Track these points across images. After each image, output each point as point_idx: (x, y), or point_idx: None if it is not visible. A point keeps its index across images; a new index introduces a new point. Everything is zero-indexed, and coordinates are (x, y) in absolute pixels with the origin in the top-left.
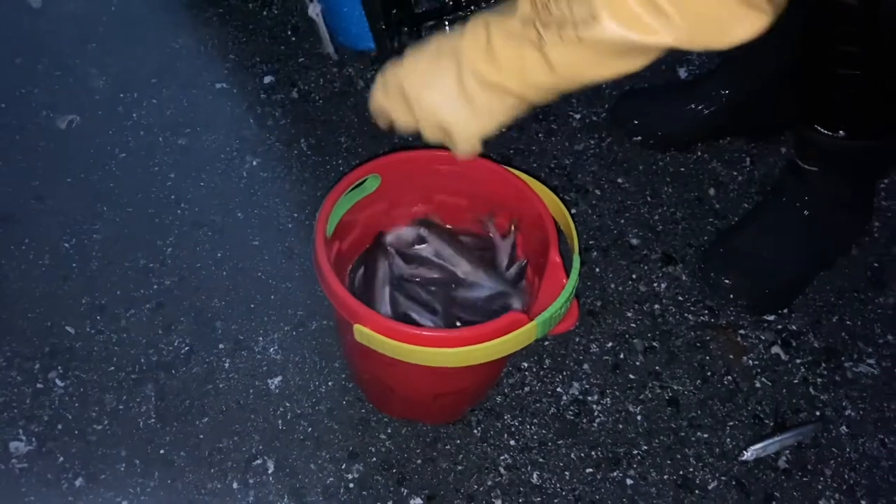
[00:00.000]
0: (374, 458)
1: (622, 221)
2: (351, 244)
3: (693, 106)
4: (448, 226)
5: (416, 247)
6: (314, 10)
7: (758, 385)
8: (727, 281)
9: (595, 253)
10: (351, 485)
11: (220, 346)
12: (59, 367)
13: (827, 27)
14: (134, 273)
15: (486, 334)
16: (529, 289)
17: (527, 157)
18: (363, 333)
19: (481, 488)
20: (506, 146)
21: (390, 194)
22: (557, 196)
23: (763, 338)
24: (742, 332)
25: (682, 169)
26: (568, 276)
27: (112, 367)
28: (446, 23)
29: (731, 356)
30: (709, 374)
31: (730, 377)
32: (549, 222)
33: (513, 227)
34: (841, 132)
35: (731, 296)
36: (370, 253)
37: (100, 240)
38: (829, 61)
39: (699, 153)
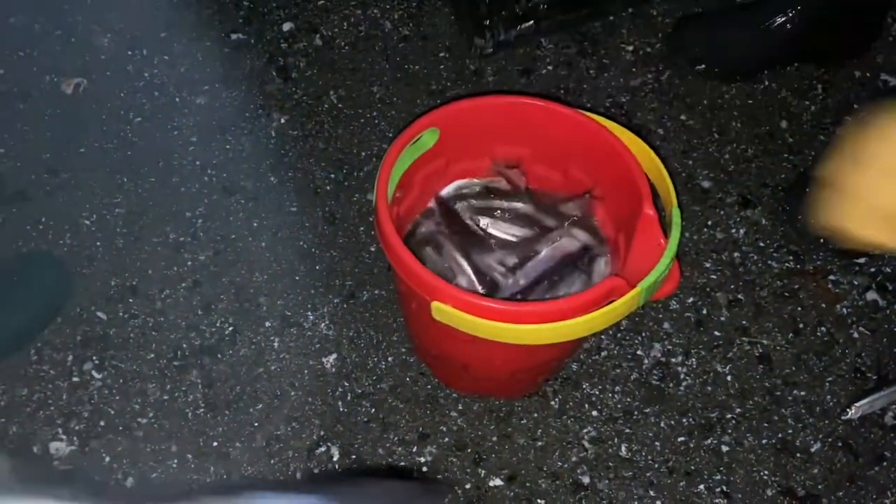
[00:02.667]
0: (447, 438)
1: (690, 163)
2: (408, 207)
3: (759, 27)
4: (514, 180)
5: (486, 201)
6: None
7: (855, 335)
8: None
9: None
10: (425, 468)
11: (267, 324)
12: (95, 358)
13: None
14: (164, 249)
15: (583, 305)
16: (614, 248)
17: (579, 97)
18: (443, 311)
19: (566, 465)
20: (554, 85)
21: (448, 149)
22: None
23: (856, 283)
24: (832, 277)
25: (750, 101)
26: (666, 233)
27: (152, 355)
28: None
29: (824, 305)
30: (800, 325)
31: (824, 328)
32: (637, 169)
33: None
34: None
35: (820, 240)
36: (439, 217)
37: (123, 214)
38: None
39: (766, 83)
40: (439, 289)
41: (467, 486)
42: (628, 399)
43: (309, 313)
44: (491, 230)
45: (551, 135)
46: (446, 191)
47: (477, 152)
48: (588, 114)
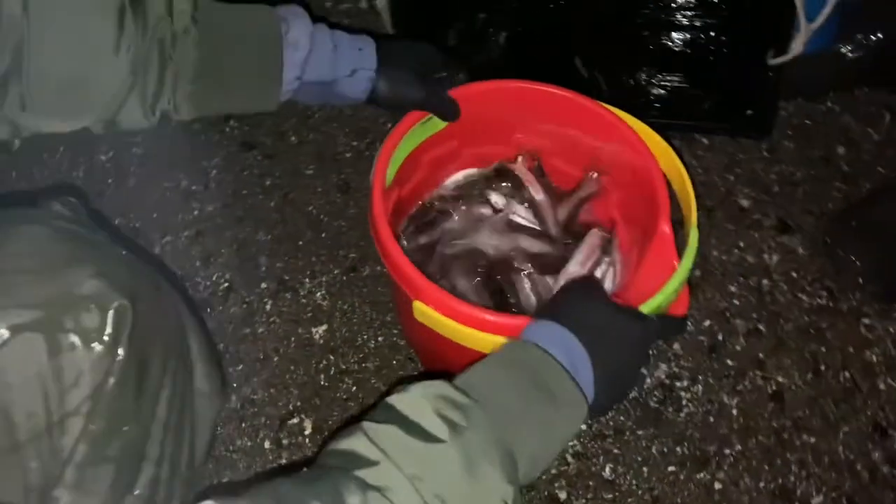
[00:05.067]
0: None
1: (732, 178)
2: (413, 189)
3: (832, 46)
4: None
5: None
6: None
7: (881, 386)
8: (856, 260)
9: (698, 212)
10: None
11: (263, 285)
12: None
13: None
14: (174, 195)
15: None
16: (626, 260)
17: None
18: (424, 312)
19: (544, 477)
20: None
21: (462, 131)
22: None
23: (891, 330)
24: (866, 320)
25: (808, 121)
26: (679, 254)
27: None
28: None
29: (851, 349)
30: (822, 367)
31: (847, 373)
32: (658, 180)
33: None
34: None
35: (860, 278)
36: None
37: (139, 155)
38: None
39: (829, 104)
40: (422, 289)
41: None
42: (622, 417)
43: (307, 280)
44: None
45: (573, 128)
46: (454, 178)
47: (493, 138)
48: (618, 112)
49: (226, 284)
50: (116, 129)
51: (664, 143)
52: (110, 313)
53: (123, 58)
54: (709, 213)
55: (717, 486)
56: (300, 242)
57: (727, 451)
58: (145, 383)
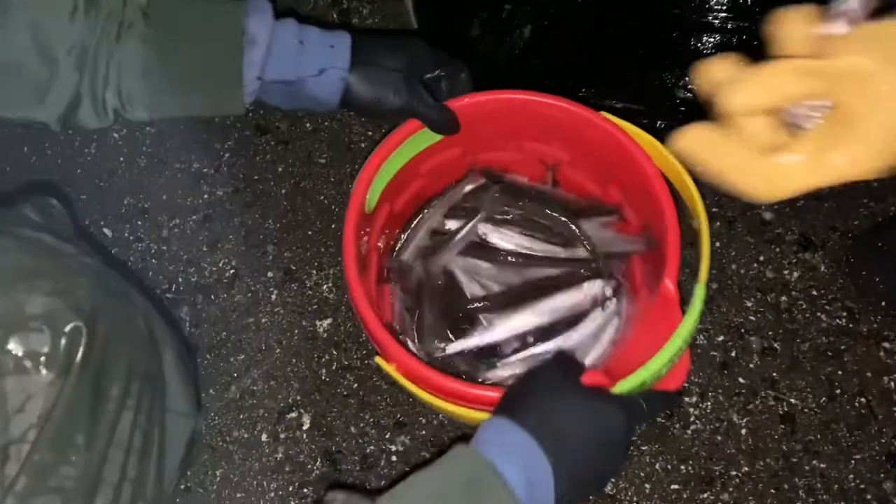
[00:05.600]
0: (424, 432)
1: None
2: (408, 200)
3: None
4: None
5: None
6: None
7: None
8: (879, 282)
9: (718, 223)
10: (393, 458)
11: (269, 274)
12: None
13: None
14: (184, 177)
15: None
16: (628, 300)
17: None
18: (387, 369)
19: None
20: None
21: (465, 139)
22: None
23: None
24: (886, 345)
25: None
26: (682, 312)
27: (147, 282)
28: None
29: (869, 373)
30: (837, 391)
31: (863, 399)
32: (672, 231)
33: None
34: None
35: (882, 301)
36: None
37: (152, 134)
38: None
39: None
40: (385, 349)
41: None
42: None
43: (314, 272)
44: (495, 240)
45: (587, 142)
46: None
47: (500, 145)
48: (635, 130)
49: (232, 271)
50: (76, 127)
51: (688, 179)
52: (63, 335)
53: (70, 51)
54: (729, 224)
55: None
56: (309, 232)
57: (733, 472)
58: (102, 407)
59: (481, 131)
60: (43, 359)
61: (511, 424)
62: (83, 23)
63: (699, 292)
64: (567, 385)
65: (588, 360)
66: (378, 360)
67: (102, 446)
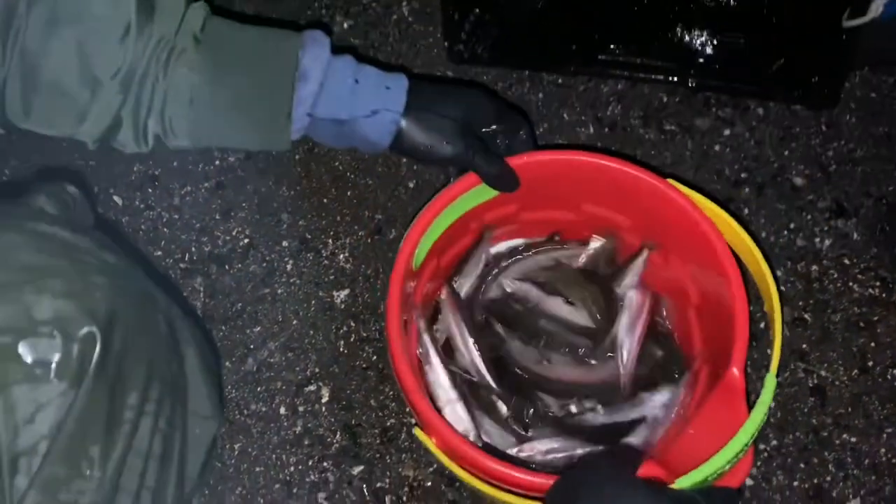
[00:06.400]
0: None
1: (786, 153)
2: (456, 255)
3: None
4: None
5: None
6: None
7: None
8: None
9: (747, 189)
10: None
11: (284, 243)
12: None
13: None
14: None
15: None
16: (689, 389)
17: None
18: (423, 439)
19: None
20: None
21: (521, 197)
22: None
23: None
24: None
25: (874, 94)
26: (749, 406)
27: (159, 252)
28: None
29: None
30: (870, 363)
31: None
32: (741, 312)
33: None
34: None
35: None
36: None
37: None
38: None
39: None
40: (427, 421)
41: None
42: None
43: (329, 241)
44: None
45: (646, 208)
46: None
47: (558, 204)
48: (695, 196)
49: (245, 241)
50: (113, 149)
51: (757, 254)
52: (76, 341)
53: (116, 75)
54: (759, 189)
55: (749, 482)
56: (324, 200)
57: (762, 446)
58: (119, 416)
59: (538, 190)
60: (54, 367)
61: None
62: (133, 46)
63: (769, 384)
64: (625, 478)
65: (640, 443)
66: (417, 431)
67: (119, 456)
